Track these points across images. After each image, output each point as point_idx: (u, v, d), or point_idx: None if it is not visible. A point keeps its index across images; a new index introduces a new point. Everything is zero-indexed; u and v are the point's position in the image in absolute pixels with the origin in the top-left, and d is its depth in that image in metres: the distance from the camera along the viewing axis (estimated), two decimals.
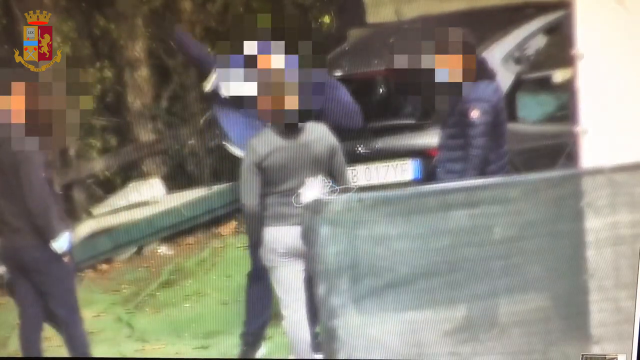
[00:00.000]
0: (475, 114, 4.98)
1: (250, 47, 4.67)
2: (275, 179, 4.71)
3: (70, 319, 5.04)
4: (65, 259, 4.94)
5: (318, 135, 4.76)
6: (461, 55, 4.89)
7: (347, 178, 4.85)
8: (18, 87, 4.75)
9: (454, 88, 4.91)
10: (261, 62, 4.65)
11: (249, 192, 4.74)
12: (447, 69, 4.89)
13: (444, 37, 4.90)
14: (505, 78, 5.88)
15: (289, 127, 4.69)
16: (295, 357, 4.85)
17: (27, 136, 4.75)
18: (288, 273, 4.79)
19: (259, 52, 4.66)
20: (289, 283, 4.80)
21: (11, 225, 4.91)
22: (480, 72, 5.02)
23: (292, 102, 4.64)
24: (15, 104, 4.75)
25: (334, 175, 4.79)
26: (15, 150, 4.78)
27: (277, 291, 4.87)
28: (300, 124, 4.71)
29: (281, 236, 4.73)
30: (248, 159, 4.74)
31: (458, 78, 4.90)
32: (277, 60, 4.65)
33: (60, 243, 4.89)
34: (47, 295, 4.98)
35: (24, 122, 4.74)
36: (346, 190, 4.65)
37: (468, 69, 4.91)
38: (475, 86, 4.97)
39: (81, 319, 5.11)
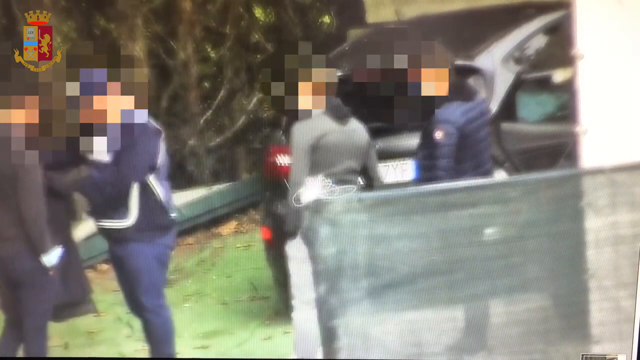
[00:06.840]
0: (438, 135, 4.83)
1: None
2: (325, 162, 4.76)
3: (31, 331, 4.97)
4: (50, 273, 4.89)
5: (359, 126, 4.87)
6: (434, 69, 4.74)
7: (379, 174, 4.99)
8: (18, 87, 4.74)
9: (427, 102, 4.78)
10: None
11: (300, 174, 4.73)
12: (419, 82, 4.73)
13: (417, 51, 4.74)
14: (505, 78, 5.89)
15: (341, 112, 4.79)
16: (297, 355, 4.85)
17: (26, 136, 4.73)
18: (306, 268, 4.74)
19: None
20: (304, 278, 4.76)
21: (2, 234, 4.86)
22: (456, 91, 4.87)
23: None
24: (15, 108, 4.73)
25: (369, 168, 4.90)
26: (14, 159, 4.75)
27: (291, 283, 4.85)
28: (347, 112, 4.82)
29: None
30: (303, 140, 4.74)
31: (431, 92, 4.76)
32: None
33: (50, 258, 4.87)
34: (19, 303, 4.91)
35: (23, 122, 4.73)
36: (378, 186, 4.85)
37: (441, 82, 4.77)
38: (446, 106, 4.81)
39: (45, 336, 5.02)
